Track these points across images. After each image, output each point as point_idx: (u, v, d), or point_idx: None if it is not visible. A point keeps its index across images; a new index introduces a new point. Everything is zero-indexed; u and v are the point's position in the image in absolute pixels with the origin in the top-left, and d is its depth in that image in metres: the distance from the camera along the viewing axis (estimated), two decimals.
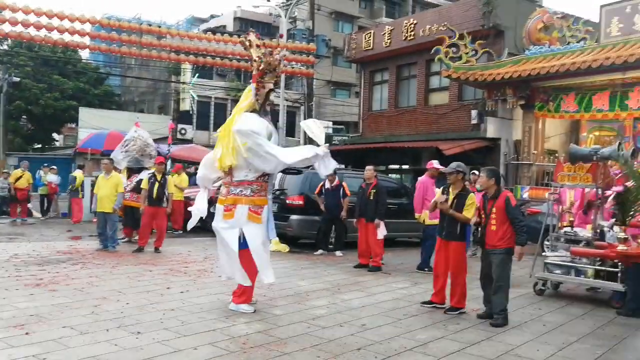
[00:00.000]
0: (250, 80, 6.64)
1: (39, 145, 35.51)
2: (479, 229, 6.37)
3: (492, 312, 6.17)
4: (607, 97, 13.04)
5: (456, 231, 6.50)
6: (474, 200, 6.45)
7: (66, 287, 6.78)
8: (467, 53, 15.37)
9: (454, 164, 6.69)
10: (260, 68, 6.35)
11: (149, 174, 10.89)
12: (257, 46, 6.51)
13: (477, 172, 12.67)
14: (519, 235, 6.01)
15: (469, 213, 6.38)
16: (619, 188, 4.90)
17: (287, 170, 12.95)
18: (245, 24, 40.24)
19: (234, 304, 6.12)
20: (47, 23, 12.81)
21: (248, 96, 6.45)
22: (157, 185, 10.36)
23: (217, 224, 6.22)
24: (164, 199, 10.56)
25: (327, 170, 6.45)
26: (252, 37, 6.59)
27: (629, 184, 4.86)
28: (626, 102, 12.68)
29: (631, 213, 4.90)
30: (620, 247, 4.69)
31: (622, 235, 4.78)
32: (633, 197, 4.80)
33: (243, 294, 6.15)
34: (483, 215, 6.25)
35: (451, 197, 6.55)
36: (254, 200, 6.12)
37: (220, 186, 6.68)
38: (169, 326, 5.29)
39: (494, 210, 6.10)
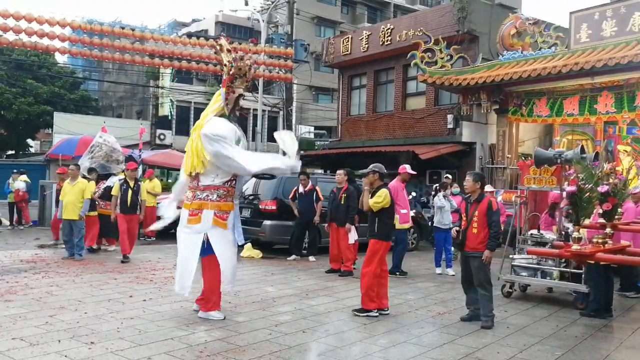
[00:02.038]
0: (221, 85, 6.60)
1: (13, 152, 34.89)
2: (459, 232, 6.42)
3: (480, 314, 6.22)
4: (577, 101, 13.18)
5: (374, 229, 6.57)
6: (383, 193, 6.48)
7: (23, 296, 6.62)
8: (442, 58, 15.47)
9: (371, 165, 6.78)
10: (231, 73, 6.32)
11: (120, 180, 10.66)
12: (228, 51, 6.49)
13: (450, 176, 12.73)
14: (491, 240, 6.11)
15: (372, 200, 6.48)
16: (572, 188, 4.95)
17: (260, 176, 12.91)
18: (226, 28, 40.18)
19: (202, 312, 6.04)
20: (14, 25, 12.52)
21: (218, 100, 6.40)
22: (130, 192, 10.02)
23: (180, 228, 6.18)
24: (138, 205, 10.25)
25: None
26: (222, 41, 6.57)
27: (583, 184, 4.92)
28: (595, 107, 12.83)
29: (582, 213, 4.95)
30: (575, 247, 4.73)
31: (576, 235, 4.83)
32: (586, 197, 4.86)
33: (209, 301, 6.07)
34: (464, 219, 6.33)
35: (369, 194, 6.63)
36: (220, 206, 6.07)
37: None
38: (125, 335, 5.19)
39: (476, 213, 6.19)
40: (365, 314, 6.39)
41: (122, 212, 10.04)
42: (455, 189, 11.43)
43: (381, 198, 6.47)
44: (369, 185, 6.65)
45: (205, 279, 6.12)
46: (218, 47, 6.56)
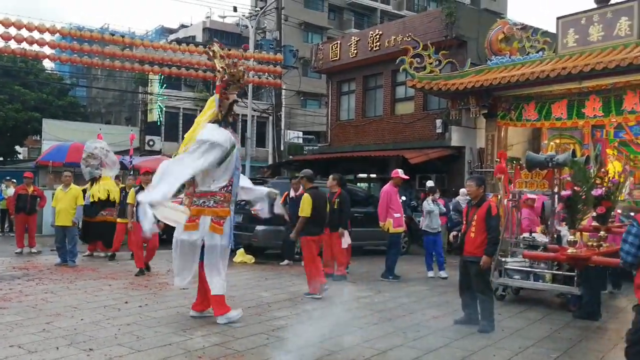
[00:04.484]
0: (214, 91, 6.62)
1: (1, 159, 34.52)
2: (456, 236, 6.54)
3: (476, 318, 6.27)
4: (565, 105, 13.31)
5: (302, 227, 7.87)
6: (304, 199, 7.73)
7: (18, 304, 6.59)
8: (431, 63, 15.57)
9: (302, 172, 7.96)
10: (224, 79, 6.35)
11: (134, 187, 9.90)
12: (222, 57, 6.52)
13: (431, 181, 12.76)
14: (489, 245, 6.11)
15: (302, 210, 7.80)
16: (568, 192, 5.02)
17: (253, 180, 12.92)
18: (214, 34, 40.10)
19: (220, 317, 6.02)
20: (3, 32, 12.45)
21: (212, 106, 6.40)
22: None
23: (178, 235, 6.12)
24: None
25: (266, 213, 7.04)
26: (216, 47, 6.59)
27: (578, 188, 4.98)
28: (583, 111, 12.94)
29: (579, 216, 5.02)
30: (570, 250, 4.79)
31: (571, 238, 4.89)
32: (582, 201, 4.93)
33: (220, 304, 6.07)
34: (465, 222, 6.37)
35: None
36: (217, 212, 6.09)
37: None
38: (123, 342, 5.18)
39: (475, 217, 6.20)
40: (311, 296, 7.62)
41: (138, 221, 9.65)
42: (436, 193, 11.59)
43: (305, 205, 7.69)
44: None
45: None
46: (211, 53, 6.58)
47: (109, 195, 11.34)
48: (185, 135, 6.45)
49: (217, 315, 6.07)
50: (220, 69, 6.39)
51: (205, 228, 6.01)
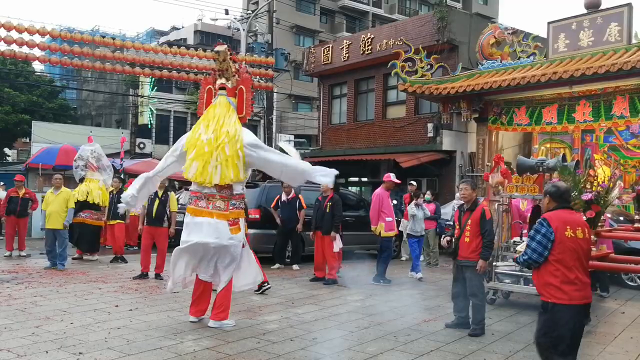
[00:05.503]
0: (225, 93, 6.33)
1: None
2: (450, 241, 6.52)
3: (467, 322, 6.29)
4: (555, 110, 13.39)
5: None
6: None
7: (7, 307, 6.52)
8: (422, 67, 15.62)
9: None
10: (253, 84, 6.42)
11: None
12: (233, 60, 6.54)
13: (414, 183, 12.80)
14: (484, 249, 6.14)
15: None
16: None
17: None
18: (205, 37, 40.06)
19: (215, 321, 6.00)
20: None
21: (232, 110, 6.23)
22: (157, 202, 9.16)
23: (222, 240, 5.91)
24: (165, 218, 9.34)
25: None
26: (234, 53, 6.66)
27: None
28: (573, 115, 13.03)
29: None
30: None
31: None
32: (573, 204, 4.98)
33: (226, 310, 6.10)
34: (457, 227, 6.36)
35: None
36: (243, 213, 6.35)
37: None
38: (114, 345, 5.14)
39: (469, 222, 6.21)
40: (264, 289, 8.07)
41: (147, 224, 9.28)
42: (427, 196, 11.73)
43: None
44: None
45: (225, 288, 6.12)
46: (229, 55, 6.37)
47: (88, 198, 11.28)
48: (211, 139, 5.99)
49: (213, 319, 6.03)
50: (234, 72, 6.37)
51: (243, 230, 6.21)
